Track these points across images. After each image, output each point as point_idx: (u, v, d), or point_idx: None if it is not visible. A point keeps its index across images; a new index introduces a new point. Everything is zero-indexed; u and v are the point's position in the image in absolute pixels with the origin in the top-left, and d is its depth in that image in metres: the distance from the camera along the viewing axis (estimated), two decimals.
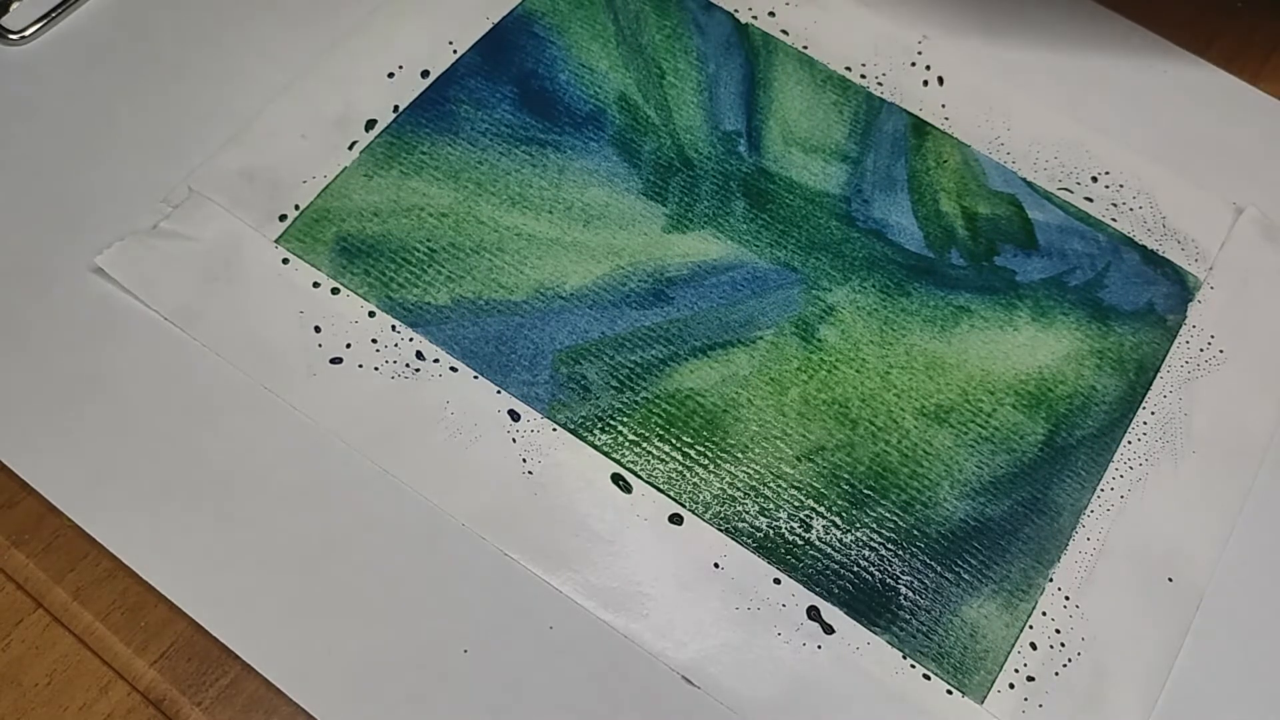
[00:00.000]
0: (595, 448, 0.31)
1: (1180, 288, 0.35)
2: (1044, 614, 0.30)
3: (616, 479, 0.30)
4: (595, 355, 0.32)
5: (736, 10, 0.38)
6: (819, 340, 0.33)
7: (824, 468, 0.31)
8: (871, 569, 0.30)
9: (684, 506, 0.30)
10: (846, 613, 0.29)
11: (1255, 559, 0.31)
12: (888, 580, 0.30)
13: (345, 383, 0.31)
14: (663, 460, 0.31)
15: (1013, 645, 0.29)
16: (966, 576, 0.30)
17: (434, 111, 0.36)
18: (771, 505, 0.30)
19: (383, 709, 0.28)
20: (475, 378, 0.32)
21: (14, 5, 0.36)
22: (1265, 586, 0.30)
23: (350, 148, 0.35)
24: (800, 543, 0.30)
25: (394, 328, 0.32)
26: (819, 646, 0.29)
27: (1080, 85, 0.38)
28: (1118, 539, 0.31)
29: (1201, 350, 0.33)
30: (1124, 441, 0.32)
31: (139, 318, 0.32)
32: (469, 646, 0.28)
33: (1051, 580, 0.30)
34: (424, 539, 0.30)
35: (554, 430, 0.31)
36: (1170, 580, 0.30)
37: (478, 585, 0.29)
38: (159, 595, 0.29)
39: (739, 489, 0.31)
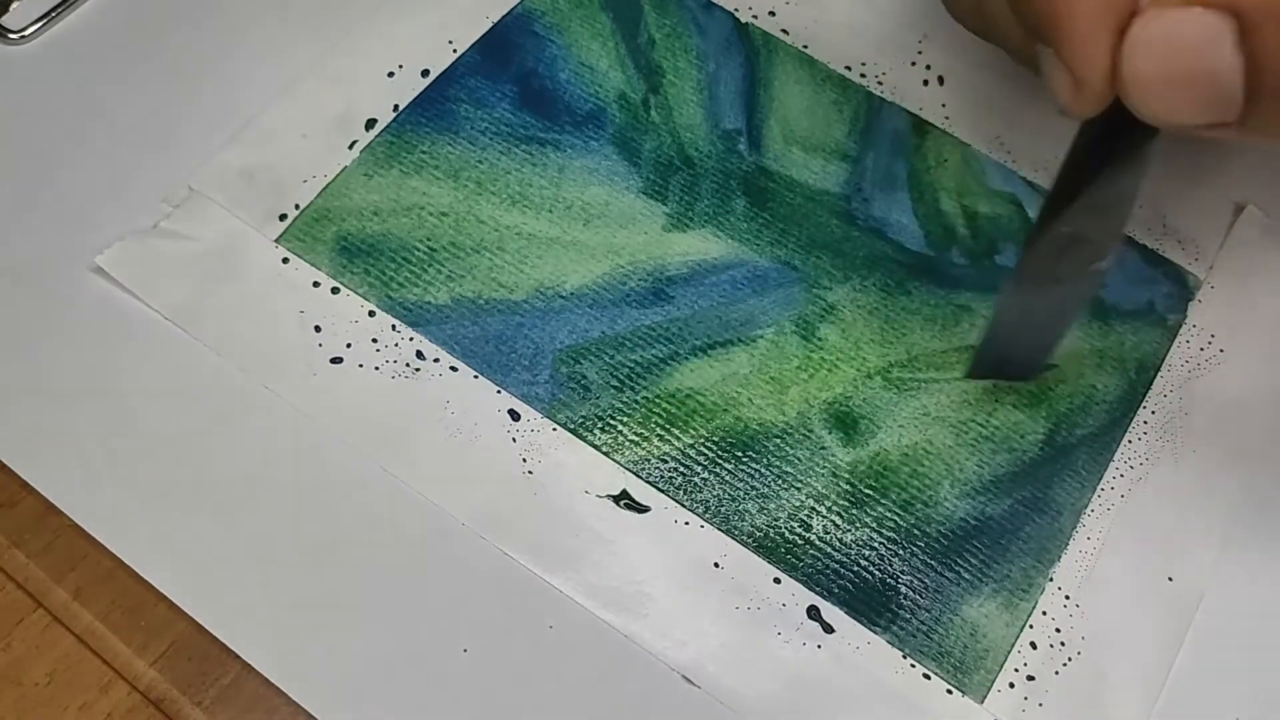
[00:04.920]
0: (595, 447, 0.31)
1: (1180, 287, 0.35)
2: (1044, 613, 0.30)
3: (617, 478, 0.30)
4: (595, 354, 0.32)
5: (736, 9, 0.38)
6: (819, 339, 0.33)
7: (824, 467, 0.31)
8: (871, 568, 0.30)
9: (684, 506, 0.30)
10: (846, 612, 0.29)
11: (1255, 559, 0.31)
12: (888, 580, 0.30)
13: (345, 382, 0.31)
14: (663, 460, 0.31)
15: (1013, 644, 0.29)
16: (967, 576, 0.30)
17: (434, 110, 0.36)
18: (771, 505, 0.30)
19: (383, 709, 0.28)
20: (475, 377, 0.32)
21: (14, 5, 0.36)
22: (1265, 586, 0.30)
23: (350, 147, 0.35)
24: (800, 542, 0.30)
25: (394, 327, 0.32)
26: (819, 646, 0.29)
27: None
28: (1118, 538, 0.31)
29: (1202, 350, 0.33)
30: (1124, 441, 0.32)
31: (139, 318, 0.32)
32: (469, 646, 0.28)
33: (1052, 579, 0.30)
34: (424, 539, 0.30)
35: (554, 430, 0.31)
36: (1170, 580, 0.30)
37: (478, 585, 0.29)
38: (159, 595, 0.29)
39: (739, 488, 0.31)
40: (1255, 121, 0.21)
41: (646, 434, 0.31)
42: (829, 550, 0.30)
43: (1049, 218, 0.27)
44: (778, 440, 0.31)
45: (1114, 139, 0.25)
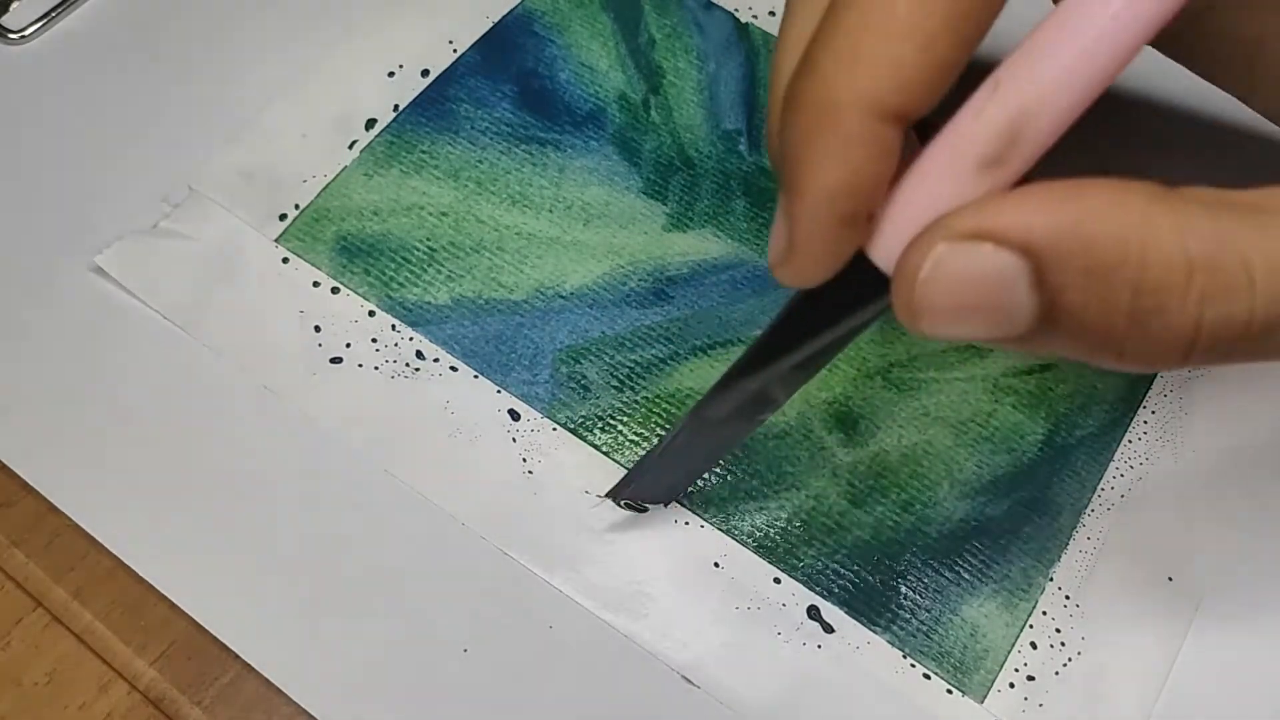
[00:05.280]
0: (595, 447, 0.31)
1: None
2: (1044, 613, 0.30)
3: (617, 478, 0.30)
4: (595, 354, 0.32)
5: (736, 9, 0.38)
6: None
7: (824, 467, 0.31)
8: (871, 568, 0.30)
9: (684, 506, 0.30)
10: (846, 612, 0.29)
11: (1255, 559, 0.31)
12: (888, 580, 0.30)
13: (345, 382, 0.31)
14: None
15: (1013, 644, 0.29)
16: (966, 576, 0.30)
17: (434, 110, 0.36)
18: (771, 505, 0.30)
19: (383, 709, 0.28)
20: (475, 377, 0.32)
21: (14, 5, 0.36)
22: (1265, 586, 0.30)
23: (350, 147, 0.35)
24: (800, 542, 0.30)
25: (394, 327, 0.32)
26: (819, 646, 0.29)
27: None
28: (1118, 538, 0.31)
29: None
30: (1124, 441, 0.32)
31: (139, 318, 0.32)
32: (469, 646, 0.28)
33: (1052, 580, 0.30)
34: (424, 539, 0.30)
35: (554, 430, 0.31)
36: (1170, 580, 0.30)
37: (478, 585, 0.29)
38: (159, 595, 0.29)
39: (739, 488, 0.31)
40: (1040, 347, 0.20)
41: (646, 434, 0.31)
42: (829, 550, 0.30)
43: (746, 370, 0.25)
44: (778, 440, 0.31)
45: (837, 308, 0.23)
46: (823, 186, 0.20)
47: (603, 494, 0.30)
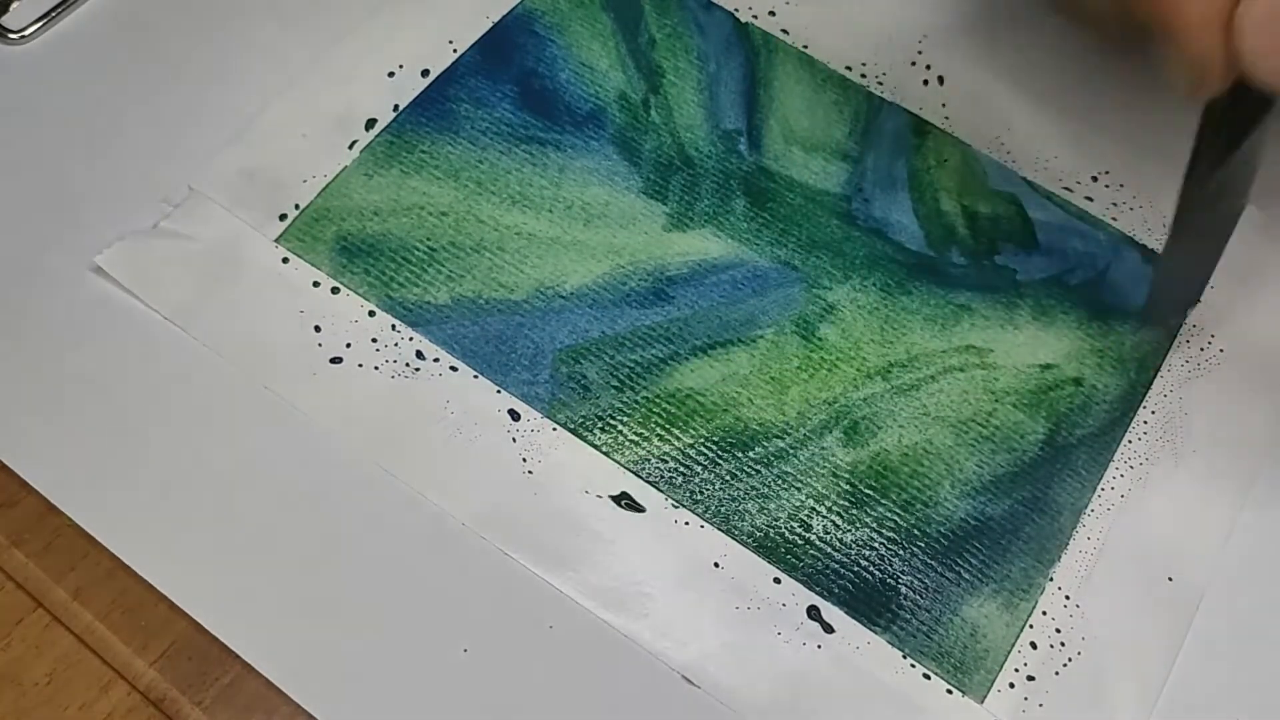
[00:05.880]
0: (595, 447, 0.31)
1: None
2: (1044, 613, 0.30)
3: (617, 478, 0.30)
4: (595, 354, 0.32)
5: (736, 9, 0.38)
6: (819, 339, 0.33)
7: (824, 467, 0.31)
8: (871, 568, 0.30)
9: (684, 506, 0.30)
10: (846, 612, 0.29)
11: (1255, 559, 0.31)
12: (888, 580, 0.30)
13: (345, 382, 0.31)
14: (663, 460, 0.31)
15: (1013, 645, 0.29)
16: (967, 576, 0.30)
17: (434, 110, 0.36)
18: (771, 505, 0.30)
19: (383, 709, 0.28)
20: (475, 377, 0.32)
21: (14, 5, 0.36)
22: (1265, 586, 0.30)
23: (350, 147, 0.35)
24: (800, 542, 0.30)
25: (394, 327, 0.32)
26: (819, 646, 0.29)
27: (1080, 84, 0.38)
28: (1118, 538, 0.31)
29: (1201, 350, 0.33)
30: (1124, 441, 0.32)
31: (139, 317, 0.32)
32: (469, 646, 0.28)
33: (1052, 580, 0.30)
34: (424, 539, 0.30)
35: (554, 430, 0.31)
36: (1170, 580, 0.30)
37: (478, 585, 0.29)
38: (159, 595, 0.29)
39: (739, 488, 0.31)
40: None
41: (646, 434, 0.31)
42: (829, 550, 0.30)
43: (1198, 177, 0.29)
44: (778, 440, 0.31)
45: (1243, 105, 0.27)
46: (1200, 11, 0.26)
47: (1148, 322, 0.34)
